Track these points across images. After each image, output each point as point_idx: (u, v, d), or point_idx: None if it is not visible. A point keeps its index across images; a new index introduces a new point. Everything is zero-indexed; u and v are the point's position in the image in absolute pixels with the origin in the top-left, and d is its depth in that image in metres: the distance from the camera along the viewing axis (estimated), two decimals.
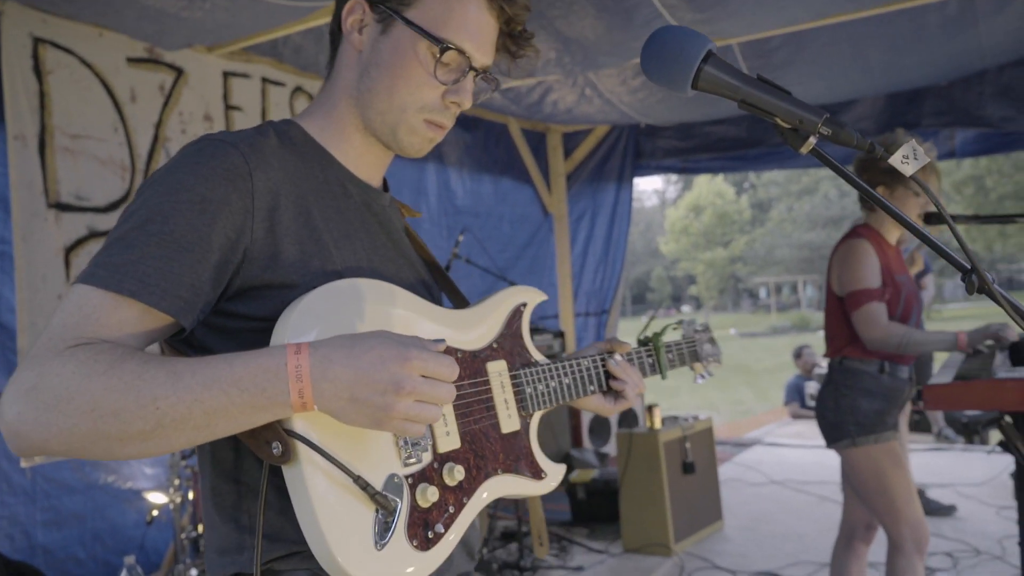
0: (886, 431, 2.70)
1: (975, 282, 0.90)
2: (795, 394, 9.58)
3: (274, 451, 1.00)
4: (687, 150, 7.36)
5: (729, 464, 6.61)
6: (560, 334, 6.63)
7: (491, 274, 5.11)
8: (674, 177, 62.78)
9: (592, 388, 1.43)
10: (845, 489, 3.03)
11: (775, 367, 18.23)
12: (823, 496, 5.43)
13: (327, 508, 1.00)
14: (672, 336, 1.65)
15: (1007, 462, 5.66)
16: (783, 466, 6.37)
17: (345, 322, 1.07)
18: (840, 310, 2.81)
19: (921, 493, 5.26)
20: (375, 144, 1.27)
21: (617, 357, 1.45)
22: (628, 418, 7.04)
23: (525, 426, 1.32)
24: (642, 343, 1.58)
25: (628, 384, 1.45)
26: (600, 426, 6.87)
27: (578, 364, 1.41)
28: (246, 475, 1.11)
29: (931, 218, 2.74)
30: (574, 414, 6.69)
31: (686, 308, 58.37)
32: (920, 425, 7.15)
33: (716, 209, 43.27)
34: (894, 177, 2.72)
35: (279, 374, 0.96)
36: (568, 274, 7.78)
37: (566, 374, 1.39)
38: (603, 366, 1.44)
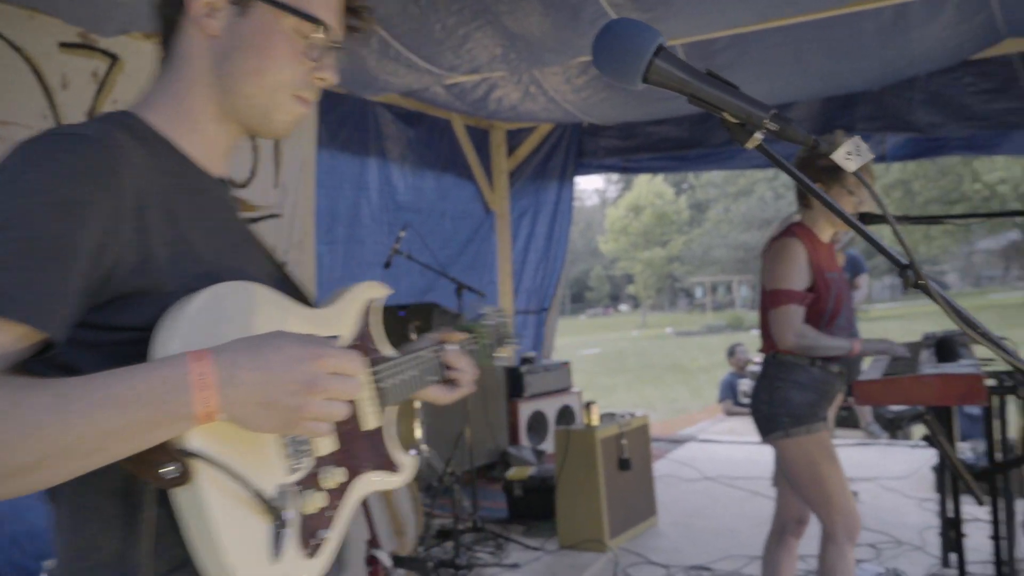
0: (817, 422, 2.76)
1: (911, 277, 0.92)
2: (729, 391, 9.77)
3: (167, 474, 0.92)
4: (629, 150, 7.44)
5: (664, 460, 6.71)
6: None
7: (432, 270, 5.08)
8: (615, 177, 63.37)
9: (433, 379, 1.45)
10: (778, 483, 3.09)
11: (710, 365, 18.55)
12: (754, 491, 5.55)
13: (224, 527, 0.96)
14: (487, 322, 1.68)
15: (928, 456, 5.85)
16: (716, 462, 6.48)
17: (233, 326, 1.02)
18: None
19: None
20: (230, 132, 1.21)
21: (453, 347, 1.48)
22: (566, 415, 7.09)
23: (382, 421, 1.32)
24: (466, 329, 1.61)
25: (465, 373, 1.48)
26: (538, 423, 6.91)
27: (421, 356, 1.43)
28: (108, 502, 1.02)
29: (867, 217, 2.82)
30: (512, 412, 6.71)
31: (624, 307, 59.00)
32: (848, 421, 7.36)
33: (655, 209, 43.83)
34: (831, 176, 2.78)
35: (180, 384, 0.89)
36: (509, 272, 7.79)
37: (412, 366, 1.40)
38: (440, 356, 1.46)
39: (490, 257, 7.83)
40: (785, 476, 2.94)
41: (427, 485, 4.94)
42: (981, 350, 3.06)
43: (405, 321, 5.54)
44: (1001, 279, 55.77)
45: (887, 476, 5.71)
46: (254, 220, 5.22)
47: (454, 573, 4.19)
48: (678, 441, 7.63)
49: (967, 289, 57.27)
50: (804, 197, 2.93)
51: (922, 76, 5.94)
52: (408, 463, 1.34)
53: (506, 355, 1.75)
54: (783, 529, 3.04)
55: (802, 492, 2.85)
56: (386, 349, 1.38)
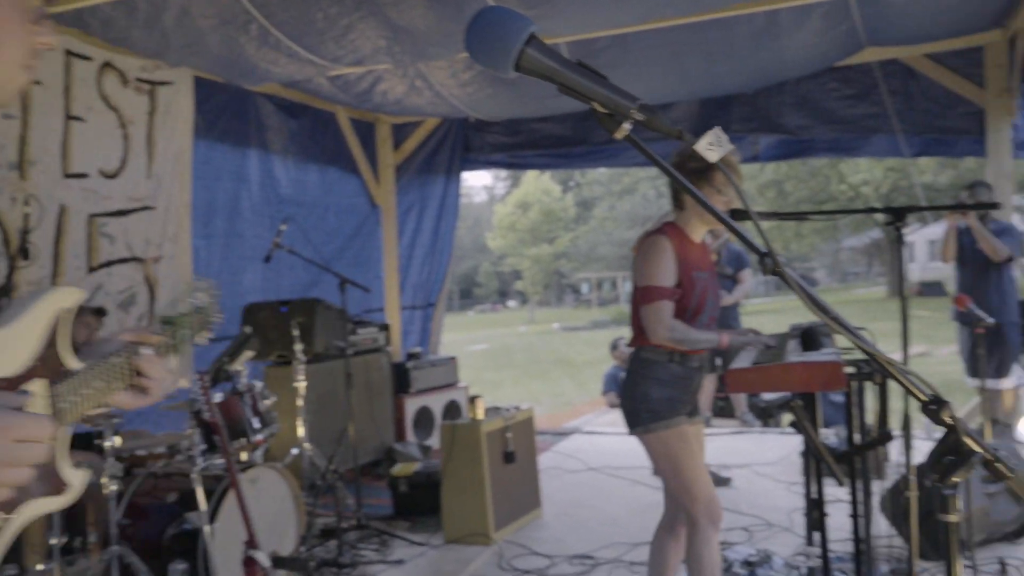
0: (676, 417, 2.85)
1: (769, 265, 0.96)
2: (612, 384, 9.98)
3: None
4: (514, 146, 7.50)
5: (549, 453, 6.80)
6: (385, 327, 6.57)
7: (316, 265, 4.98)
8: (503, 173, 63.70)
9: (120, 386, 1.35)
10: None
11: (595, 359, 18.92)
12: (635, 480, 5.69)
13: None
14: (190, 307, 1.61)
15: (797, 442, 6.15)
16: (599, 453, 6.62)
17: None
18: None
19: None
20: None
21: (145, 351, 1.38)
22: (453, 411, 7.09)
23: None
24: (165, 323, 1.53)
25: (156, 381, 1.38)
26: (424, 419, 6.88)
27: (109, 364, 1.33)
28: None
29: (736, 214, 2.93)
30: (398, 408, 6.66)
31: (512, 303, 59.47)
32: (725, 410, 7.65)
33: (543, 206, 44.34)
34: (701, 178, 2.87)
35: None
36: (395, 267, 7.73)
37: (98, 377, 1.30)
38: (132, 362, 1.36)
39: (376, 252, 7.74)
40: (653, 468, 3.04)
41: (311, 484, 4.84)
42: (843, 339, 3.24)
43: (287, 317, 5.41)
44: (865, 275, 59.24)
45: (759, 462, 5.96)
46: (125, 212, 4.99)
47: (337, 572, 4.13)
48: (563, 434, 7.74)
49: (834, 285, 60.49)
50: (678, 198, 3.01)
51: (792, 81, 6.23)
52: (76, 481, 1.24)
53: (202, 341, 1.64)
54: (673, 520, 3.12)
55: (665, 482, 2.96)
56: (71, 362, 1.27)
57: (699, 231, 3.02)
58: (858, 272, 58.63)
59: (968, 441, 1.02)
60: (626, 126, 0.95)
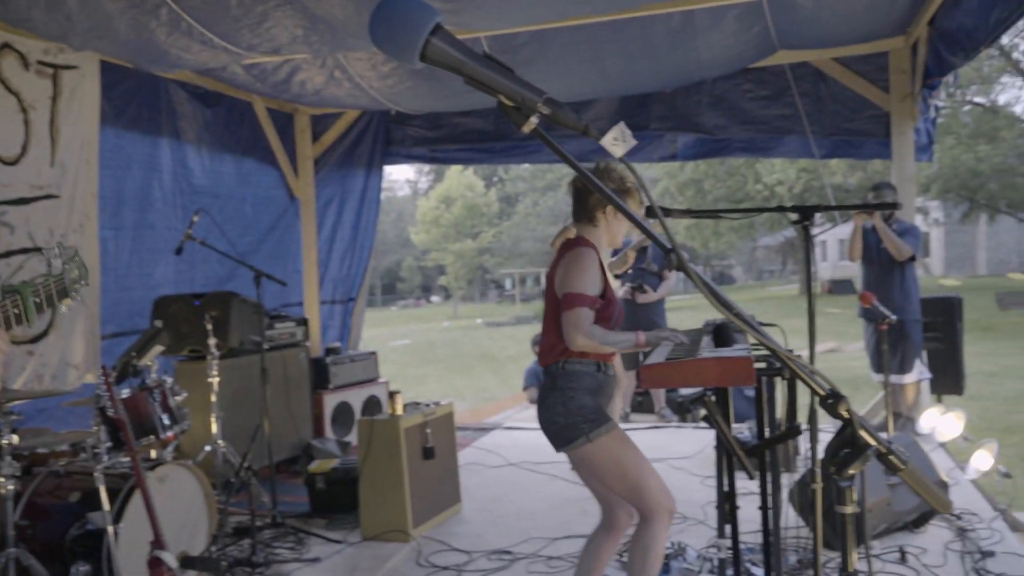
0: (609, 421, 2.88)
1: (674, 260, 0.97)
2: (532, 379, 10.02)
3: None
4: (436, 140, 7.45)
5: (470, 448, 6.79)
6: (303, 321, 6.45)
7: (230, 259, 4.84)
8: (426, 168, 63.34)
9: None
10: (590, 485, 3.14)
11: (518, 355, 18.99)
12: (555, 475, 5.73)
13: None
14: (36, 274, 1.52)
15: (712, 436, 6.29)
16: (520, 448, 6.63)
17: None
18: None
19: None
20: None
21: None
22: (373, 406, 7.01)
23: None
24: (6, 292, 1.45)
25: None
26: (343, 415, 6.79)
27: None
28: None
29: (650, 211, 2.97)
30: (316, 403, 6.55)
31: (435, 299, 59.22)
32: (643, 405, 7.77)
33: (466, 201, 44.23)
34: (617, 190, 2.93)
35: None
36: (314, 261, 7.60)
37: None
38: None
39: (294, 245, 7.60)
40: (594, 480, 3.01)
41: (225, 481, 4.72)
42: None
43: (201, 311, 5.26)
44: (779, 273, 61.04)
45: (676, 456, 6.07)
46: (27, 201, 4.76)
47: (250, 571, 4.03)
48: (484, 429, 7.74)
49: (750, 282, 62.15)
50: (591, 216, 3.00)
51: (709, 81, 6.36)
52: None
53: (69, 305, 1.55)
54: (612, 523, 3.08)
55: (615, 489, 2.92)
56: None
57: (606, 248, 3.08)
58: (773, 270, 60.40)
59: (863, 434, 1.05)
60: (533, 120, 0.94)
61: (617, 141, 0.92)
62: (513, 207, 49.22)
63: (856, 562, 1.10)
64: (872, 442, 1.07)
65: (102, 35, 4.42)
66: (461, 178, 44.18)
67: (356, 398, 6.90)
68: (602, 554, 3.08)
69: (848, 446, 1.07)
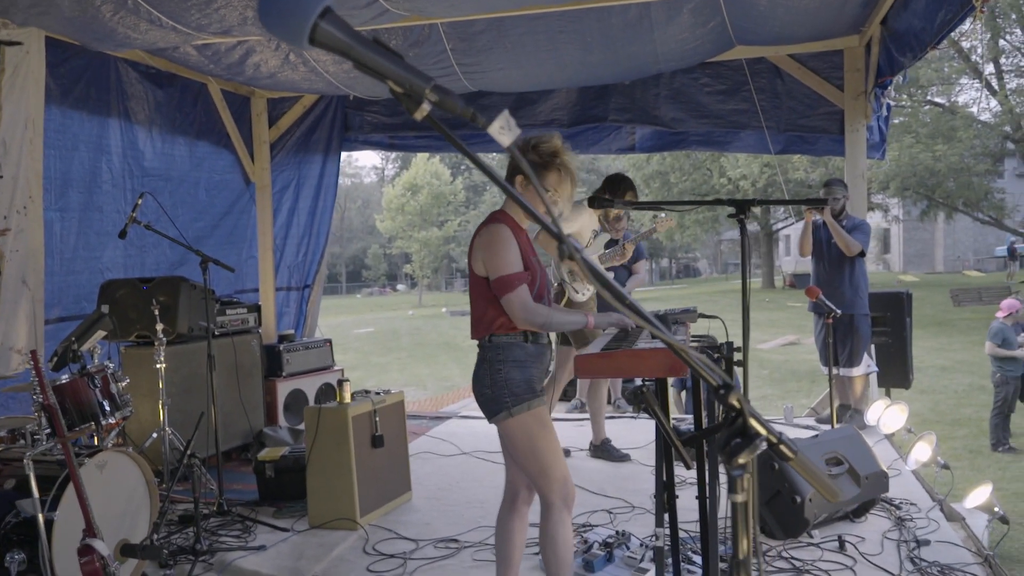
0: (535, 398, 2.89)
1: (565, 250, 0.97)
2: None
3: None
4: (395, 127, 7.40)
5: (424, 437, 6.78)
6: (256, 307, 6.38)
7: (175, 243, 4.77)
8: (392, 155, 62.98)
9: None
10: (506, 456, 3.19)
11: None
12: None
13: None
14: None
15: None
16: (474, 437, 6.64)
17: None
18: (487, 292, 2.92)
19: (606, 443, 5.76)
20: None
21: None
22: (327, 394, 6.96)
23: None
24: None
25: None
26: (297, 402, 6.74)
27: None
28: None
29: (593, 202, 2.99)
30: (269, 391, 6.49)
31: (401, 287, 59.01)
32: None
33: (432, 190, 44.07)
34: (535, 171, 2.89)
35: None
36: (270, 247, 7.52)
37: None
38: None
39: (250, 231, 7.51)
40: (507, 452, 3.06)
41: (172, 469, 4.66)
42: (695, 327, 3.35)
43: (148, 296, 5.19)
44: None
45: (628, 447, 6.10)
46: None
47: (193, 560, 4.00)
48: (440, 418, 7.73)
49: (715, 275, 62.69)
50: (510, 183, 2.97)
51: (667, 74, 6.38)
52: None
53: None
54: (515, 498, 3.16)
55: (522, 465, 2.97)
56: None
57: (524, 218, 3.04)
58: (737, 263, 61.01)
59: (754, 424, 1.06)
60: (425, 107, 0.94)
61: (504, 129, 0.91)
62: (480, 196, 49.17)
63: (747, 551, 1.11)
64: (763, 431, 1.08)
65: (45, 11, 4.32)
66: (427, 166, 44.01)
67: (310, 386, 6.85)
68: (513, 537, 3.12)
69: (739, 436, 1.08)
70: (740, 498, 1.11)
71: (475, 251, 2.95)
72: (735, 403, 1.06)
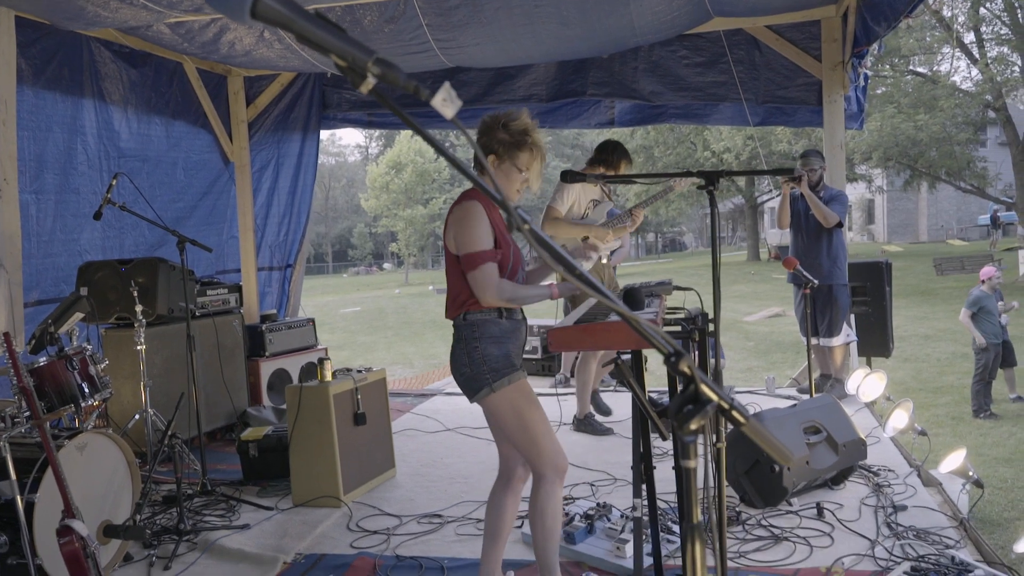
0: (516, 371, 2.89)
1: (514, 222, 0.98)
2: None
3: None
4: (373, 104, 7.35)
5: (408, 415, 6.81)
6: (237, 288, 6.36)
7: (152, 223, 4.74)
8: (376, 133, 62.59)
9: None
10: (496, 434, 3.20)
11: None
12: (489, 439, 5.73)
13: None
14: None
15: None
16: (459, 413, 6.67)
17: None
18: (460, 270, 2.92)
19: (589, 417, 5.81)
20: None
21: None
22: (310, 373, 6.96)
23: None
24: None
25: None
26: (281, 382, 6.74)
27: None
28: None
29: (566, 176, 2.99)
30: (252, 371, 6.49)
31: (388, 266, 58.87)
32: None
33: (417, 167, 43.85)
34: (507, 150, 2.86)
35: None
36: (250, 226, 7.48)
37: None
38: None
39: (230, 211, 7.47)
40: (495, 428, 3.06)
41: (155, 450, 4.67)
42: (670, 300, 3.37)
43: (127, 277, 5.16)
44: (729, 240, 61.84)
45: (611, 420, 6.16)
46: None
47: (177, 539, 4.01)
48: (425, 395, 7.76)
49: (701, 248, 62.83)
50: (480, 166, 2.86)
51: (645, 48, 6.35)
52: None
53: None
54: (510, 476, 3.16)
55: (514, 440, 2.97)
56: None
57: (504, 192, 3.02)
58: (723, 236, 61.22)
59: (705, 390, 1.08)
60: (371, 80, 0.94)
61: (446, 102, 0.92)
62: None
63: (699, 515, 1.13)
64: (714, 398, 1.09)
65: None
66: (411, 143, 43.74)
67: (293, 365, 6.85)
68: (505, 513, 3.12)
69: (691, 402, 1.09)
70: (692, 464, 1.12)
71: (448, 229, 2.95)
72: (686, 370, 1.08)
